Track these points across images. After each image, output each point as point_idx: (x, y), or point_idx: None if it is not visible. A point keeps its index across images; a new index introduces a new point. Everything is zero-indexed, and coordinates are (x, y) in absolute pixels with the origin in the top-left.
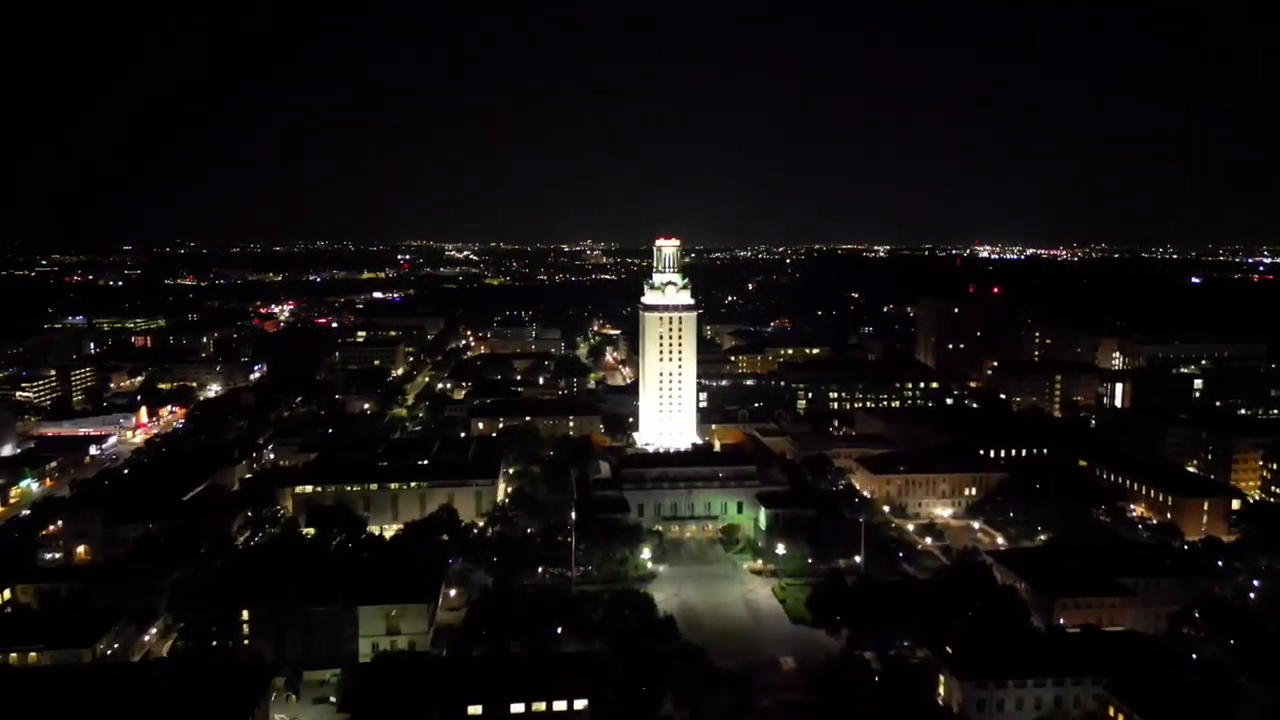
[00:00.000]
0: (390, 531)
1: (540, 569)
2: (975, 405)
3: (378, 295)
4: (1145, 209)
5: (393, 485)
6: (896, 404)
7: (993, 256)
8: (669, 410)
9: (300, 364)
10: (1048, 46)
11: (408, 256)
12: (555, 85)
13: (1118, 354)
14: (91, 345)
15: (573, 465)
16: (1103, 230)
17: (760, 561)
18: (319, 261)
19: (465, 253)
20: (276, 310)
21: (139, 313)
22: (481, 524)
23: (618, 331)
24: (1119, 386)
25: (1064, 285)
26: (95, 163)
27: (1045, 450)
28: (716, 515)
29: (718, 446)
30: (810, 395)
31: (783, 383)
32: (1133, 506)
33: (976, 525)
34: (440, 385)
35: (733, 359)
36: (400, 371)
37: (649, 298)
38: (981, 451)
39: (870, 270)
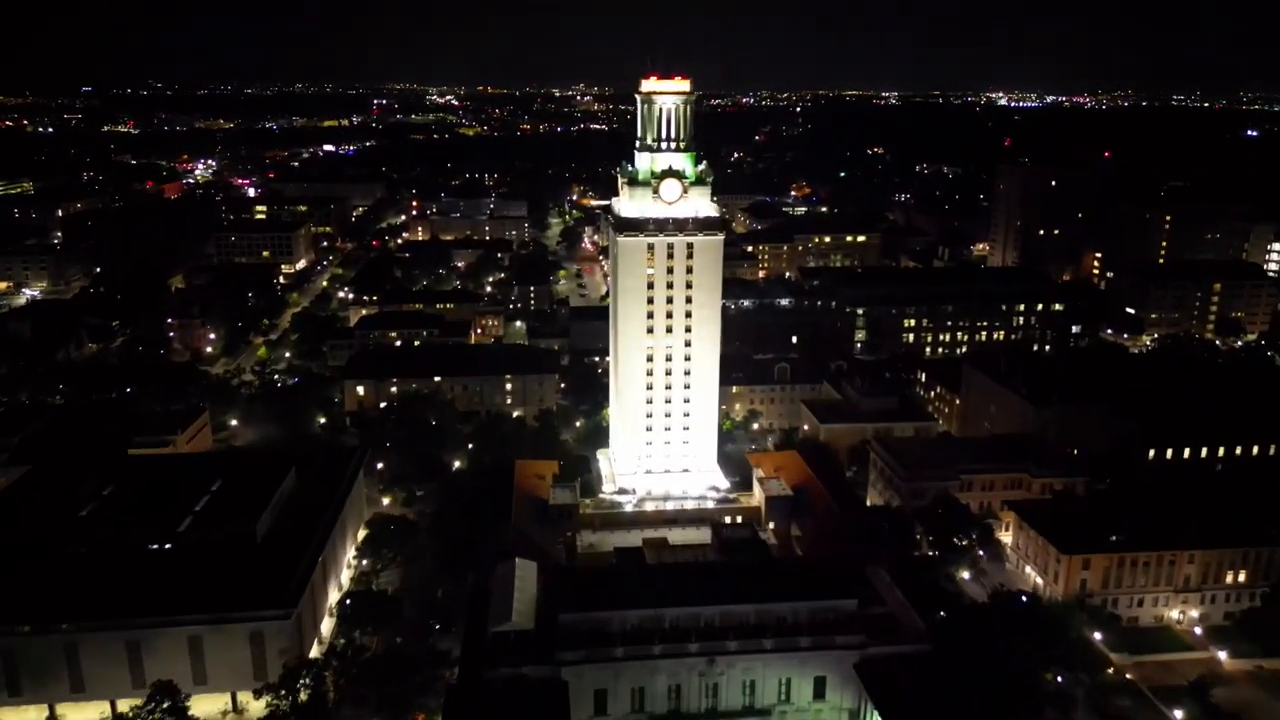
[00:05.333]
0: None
1: None
2: (1137, 342)
3: (329, 148)
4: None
5: (64, 625)
6: (1000, 334)
7: (1012, 104)
8: (666, 429)
9: (155, 257)
10: None
11: (383, 101)
12: None
13: (1278, 248)
14: None
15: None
16: (1124, 76)
17: None
18: (287, 106)
19: (448, 97)
20: (200, 168)
21: (36, 171)
22: None
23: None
24: None
25: (1103, 139)
26: None
27: None
28: (769, 709)
29: (758, 496)
30: (872, 320)
31: (832, 303)
32: None
33: None
34: (340, 294)
35: (750, 250)
36: (300, 266)
37: (626, 204)
38: (1186, 451)
39: (885, 120)
